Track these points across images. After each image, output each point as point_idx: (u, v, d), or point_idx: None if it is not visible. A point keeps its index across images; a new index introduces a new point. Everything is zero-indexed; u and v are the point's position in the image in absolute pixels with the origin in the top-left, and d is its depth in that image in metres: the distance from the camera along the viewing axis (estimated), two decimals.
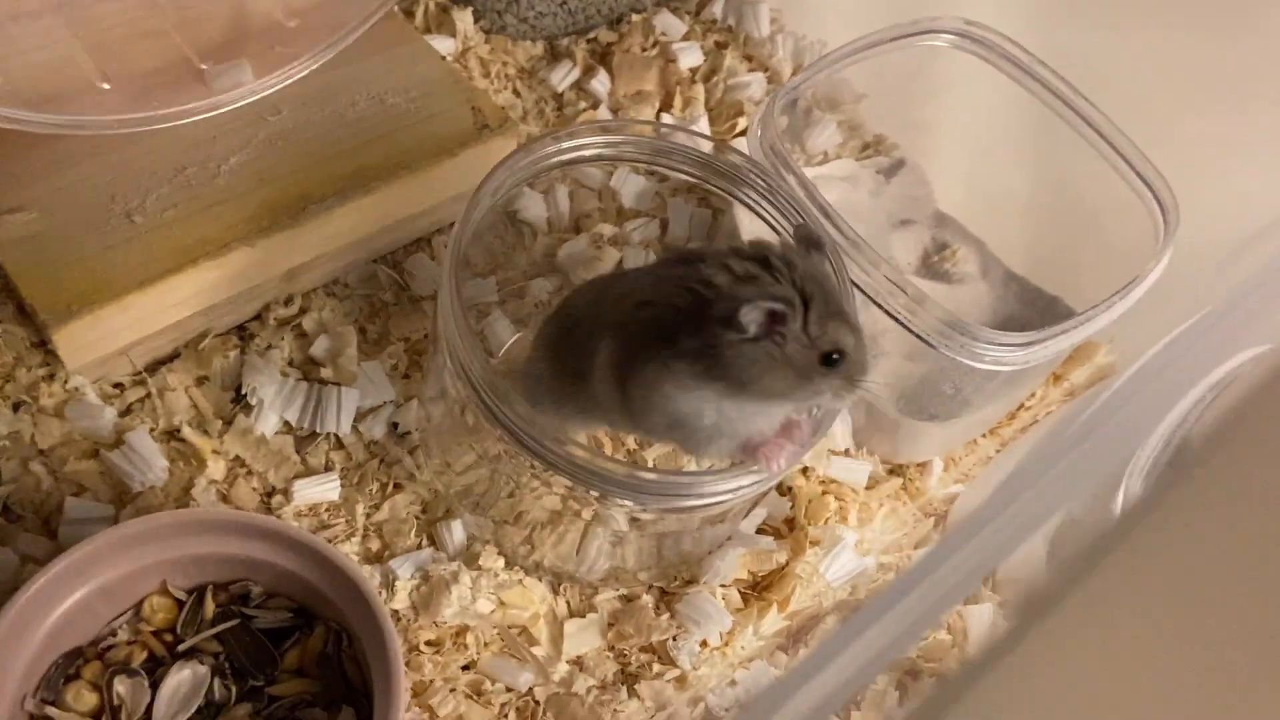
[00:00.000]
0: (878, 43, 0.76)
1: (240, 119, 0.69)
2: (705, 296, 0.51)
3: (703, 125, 0.84)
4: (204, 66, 0.68)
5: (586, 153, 0.64)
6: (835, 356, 0.51)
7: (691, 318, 0.51)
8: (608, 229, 0.78)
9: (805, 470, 0.70)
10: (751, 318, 0.49)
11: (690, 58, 0.88)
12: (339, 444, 0.66)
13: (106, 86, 0.63)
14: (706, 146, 0.64)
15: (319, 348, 0.68)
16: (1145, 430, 0.69)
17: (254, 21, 0.72)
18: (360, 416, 0.67)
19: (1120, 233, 0.74)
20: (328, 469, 0.65)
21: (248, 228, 0.65)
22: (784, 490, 0.70)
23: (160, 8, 0.70)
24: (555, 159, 0.65)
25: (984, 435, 0.78)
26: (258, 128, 0.70)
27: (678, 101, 0.86)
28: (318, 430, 0.65)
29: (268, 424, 0.64)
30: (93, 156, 0.66)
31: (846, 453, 0.72)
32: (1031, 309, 0.81)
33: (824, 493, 0.70)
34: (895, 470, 0.74)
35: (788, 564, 0.66)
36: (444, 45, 0.82)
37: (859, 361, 0.52)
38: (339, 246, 0.69)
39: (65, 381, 0.62)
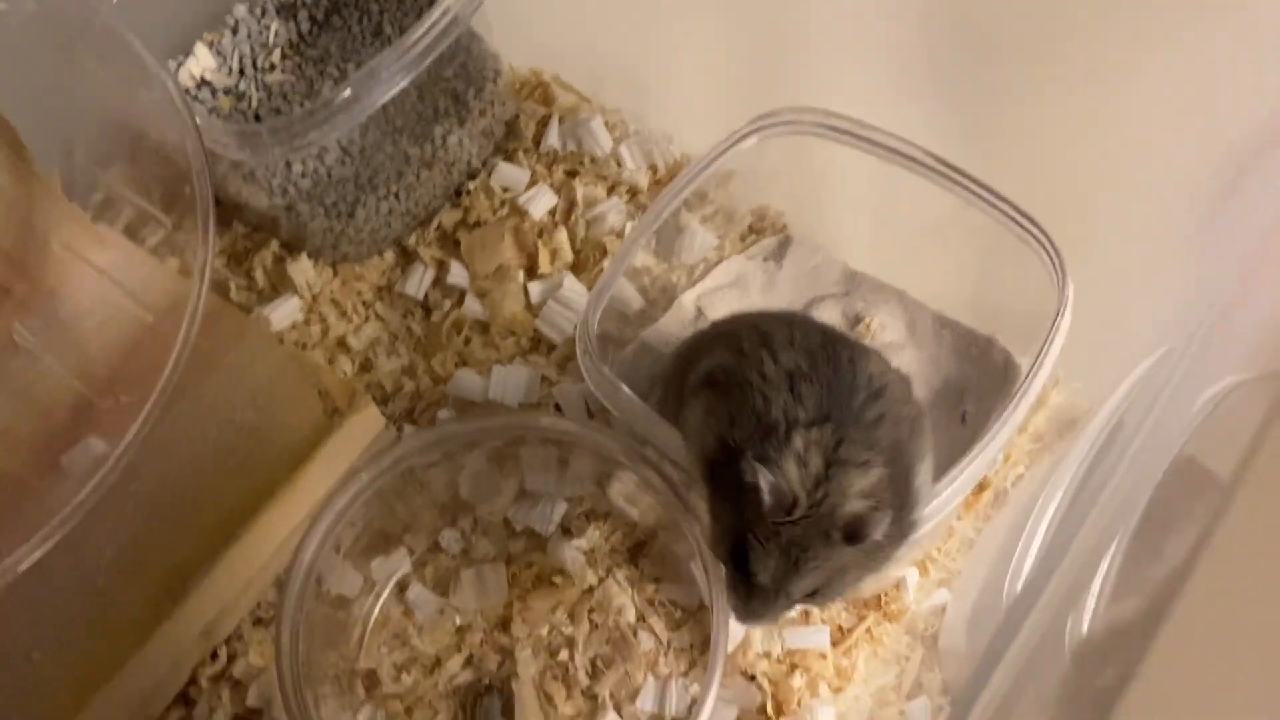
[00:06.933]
0: (713, 158, 0.71)
1: (104, 499, 0.68)
2: None
3: (570, 284, 0.79)
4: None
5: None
6: None
7: None
8: None
9: (767, 653, 0.66)
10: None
11: (542, 203, 0.82)
12: None
13: None
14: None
15: (254, 695, 0.68)
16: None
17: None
18: None
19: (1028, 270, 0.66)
20: None
21: (136, 633, 0.64)
22: (750, 677, 0.66)
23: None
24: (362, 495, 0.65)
25: (957, 518, 0.71)
26: (123, 503, 0.69)
27: (543, 258, 0.81)
28: None
29: None
30: None
31: (806, 615, 0.68)
32: (967, 360, 0.73)
33: (791, 668, 0.66)
34: (869, 604, 0.69)
35: None
36: (290, 305, 0.79)
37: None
38: (233, 595, 0.68)
39: None
